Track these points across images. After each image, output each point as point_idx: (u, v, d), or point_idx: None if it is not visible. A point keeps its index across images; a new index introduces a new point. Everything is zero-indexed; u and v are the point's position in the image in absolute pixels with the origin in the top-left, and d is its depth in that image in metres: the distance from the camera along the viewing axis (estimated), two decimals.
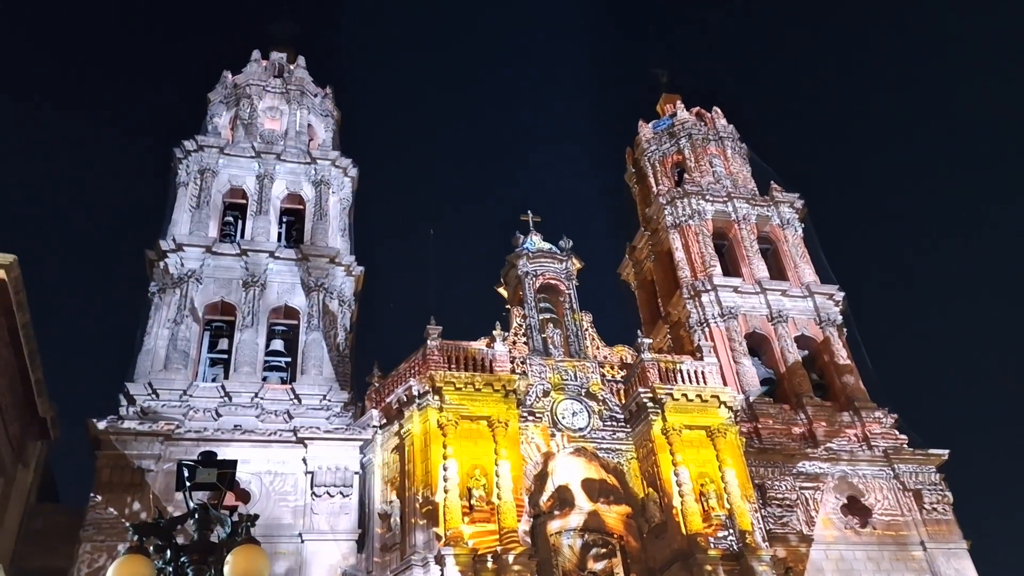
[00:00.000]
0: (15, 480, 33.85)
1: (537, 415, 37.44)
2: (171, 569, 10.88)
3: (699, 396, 37.71)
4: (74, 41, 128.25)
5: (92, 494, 32.97)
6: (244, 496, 33.86)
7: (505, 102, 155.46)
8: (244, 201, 45.96)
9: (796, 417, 41.98)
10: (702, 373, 39.12)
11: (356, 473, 36.30)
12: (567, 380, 39.09)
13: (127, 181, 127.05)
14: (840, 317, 47.00)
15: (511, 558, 31.27)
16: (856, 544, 38.30)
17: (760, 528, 35.30)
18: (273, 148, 47.37)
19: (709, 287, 46.24)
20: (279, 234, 45.45)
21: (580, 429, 37.67)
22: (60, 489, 41.18)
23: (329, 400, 37.99)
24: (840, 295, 47.62)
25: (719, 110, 59.22)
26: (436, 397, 35.38)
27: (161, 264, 41.09)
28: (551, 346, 40.96)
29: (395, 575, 32.44)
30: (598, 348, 41.59)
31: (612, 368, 40.68)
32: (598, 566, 34.62)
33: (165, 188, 46.81)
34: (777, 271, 49.33)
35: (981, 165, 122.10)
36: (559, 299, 43.13)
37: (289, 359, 41.34)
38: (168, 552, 11.02)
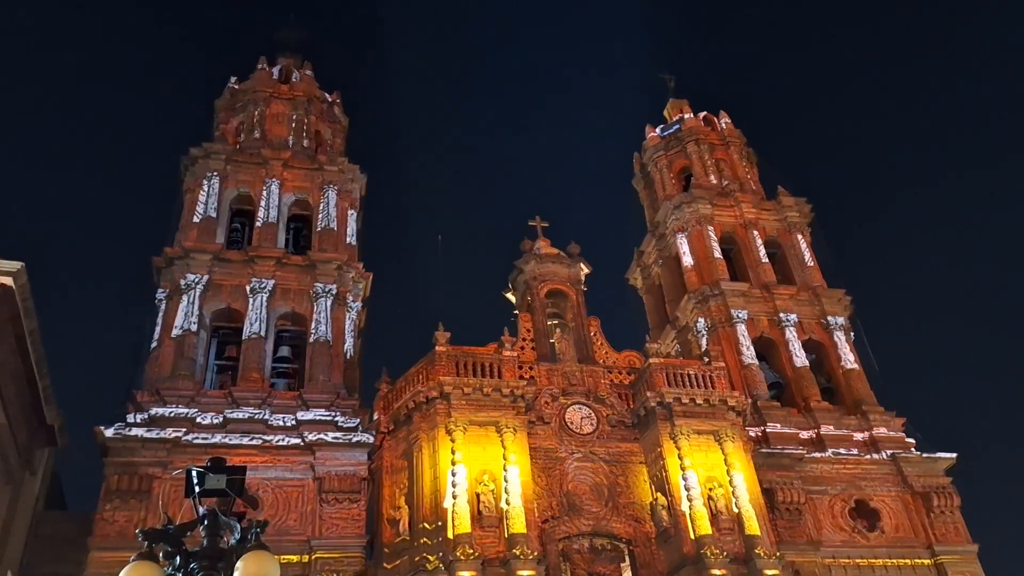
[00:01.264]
0: (23, 487, 33.95)
1: (545, 420, 37.49)
2: (181, 575, 10.88)
3: (707, 401, 37.72)
4: (80, 48, 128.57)
5: (100, 501, 33.00)
6: (252, 502, 33.71)
7: (513, 107, 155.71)
8: (251, 207, 45.92)
9: (804, 421, 41.87)
10: (710, 378, 39.05)
11: (364, 479, 36.28)
12: (575, 385, 39.13)
13: (135, 188, 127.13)
14: (847, 321, 46.91)
15: (520, 563, 31.28)
16: (864, 548, 38.22)
17: (768, 532, 35.27)
18: (280, 154, 47.28)
19: (717, 292, 46.18)
20: (286, 240, 45.35)
21: (588, 434, 37.73)
22: (68, 496, 41.29)
23: (337, 406, 37.93)
24: (847, 299, 47.53)
25: (726, 115, 59.21)
26: (444, 403, 35.44)
27: (169, 271, 41.07)
28: (559, 351, 40.96)
29: None
30: (606, 353, 41.58)
31: (620, 373, 40.70)
32: (607, 571, 34.57)
33: (173, 195, 46.94)
34: (784, 275, 49.23)
35: (989, 167, 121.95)
36: (567, 304, 43.13)
37: (297, 365, 41.36)
38: (177, 558, 11.02)
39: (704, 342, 44.80)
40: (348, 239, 45.83)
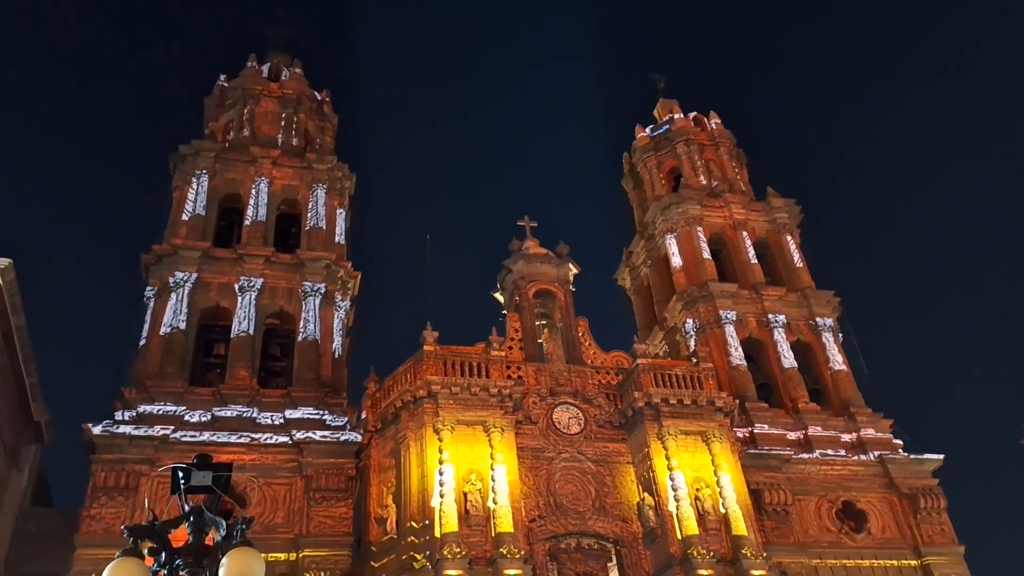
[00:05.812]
0: (9, 484, 33.89)
1: (533, 420, 37.46)
2: (166, 572, 10.86)
3: (694, 401, 37.75)
4: (71, 45, 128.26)
5: (87, 498, 32.92)
6: (240, 500, 33.83)
7: (503, 107, 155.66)
8: (240, 205, 45.85)
9: (791, 422, 41.91)
10: (698, 378, 39.07)
11: (352, 478, 36.32)
12: (563, 385, 39.08)
13: (124, 185, 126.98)
14: (836, 322, 46.96)
15: (507, 563, 31.27)
16: (851, 549, 38.27)
17: (755, 533, 35.27)
18: (269, 152, 47.22)
19: (705, 293, 46.18)
20: (275, 238, 45.20)
21: (576, 434, 37.69)
22: (54, 493, 41.21)
23: (325, 405, 37.94)
24: (836, 300, 47.58)
25: (716, 115, 59.21)
26: (432, 402, 35.40)
27: (157, 268, 41.02)
28: (547, 351, 40.96)
29: None
30: (594, 353, 41.50)
31: (608, 373, 40.64)
32: (593, 571, 34.57)
33: (162, 192, 46.84)
34: (773, 276, 49.30)
35: (979, 168, 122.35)
36: (555, 304, 43.06)
37: (285, 364, 41.34)
38: (163, 555, 11.00)
39: (692, 343, 44.83)
40: (337, 238, 45.84)
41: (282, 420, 36.86)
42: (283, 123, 50.76)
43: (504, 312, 43.50)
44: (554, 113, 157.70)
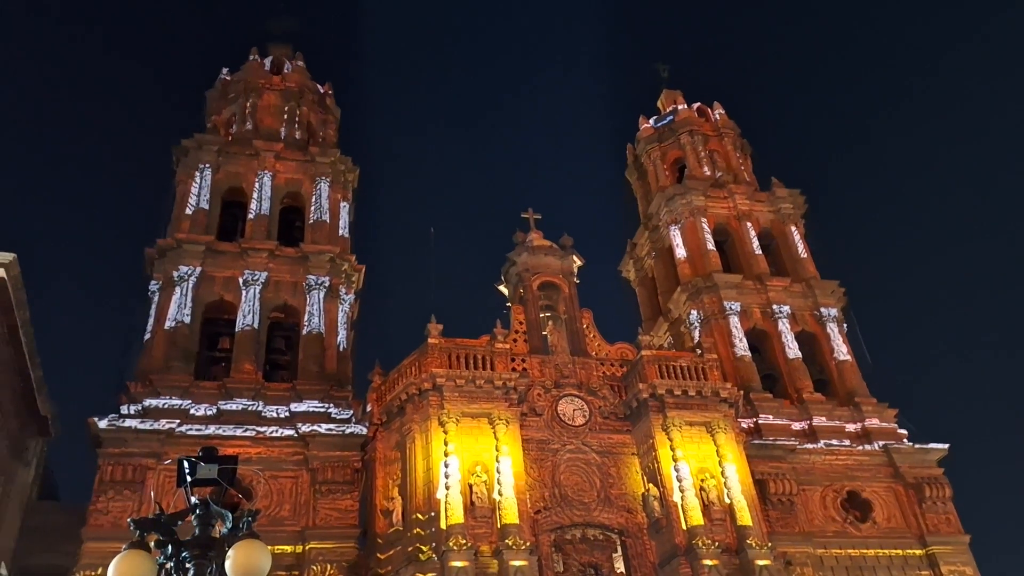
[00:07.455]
0: (15, 478, 33.95)
1: (538, 412, 37.49)
2: (172, 564, 10.89)
3: (699, 392, 37.75)
4: (74, 39, 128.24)
5: (93, 492, 32.98)
6: (246, 493, 33.90)
7: (506, 99, 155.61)
8: (244, 199, 45.80)
9: (796, 412, 41.90)
10: (702, 369, 39.08)
11: (357, 470, 36.37)
12: (568, 377, 39.12)
13: (128, 179, 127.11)
14: (840, 312, 46.89)
15: (512, 554, 31.33)
16: (856, 539, 38.26)
17: (760, 523, 35.31)
18: (272, 146, 47.18)
19: (710, 284, 46.11)
20: (279, 232, 45.18)
21: (580, 426, 37.72)
22: (60, 487, 41.31)
23: (330, 398, 37.98)
24: (840, 290, 47.53)
25: (720, 105, 59.10)
26: (437, 395, 35.46)
27: (162, 262, 41.04)
28: (552, 344, 40.93)
29: (397, 572, 32.50)
30: (599, 345, 41.56)
31: (612, 365, 40.69)
32: (598, 561, 34.62)
33: (165, 186, 46.82)
34: (778, 267, 49.22)
35: (981, 162, 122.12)
36: (560, 297, 43.04)
37: (289, 357, 41.36)
38: (169, 547, 11.03)
39: (697, 334, 44.79)
40: (341, 231, 45.82)
41: (287, 413, 36.91)
42: (286, 116, 50.73)
43: (508, 304, 43.51)
44: (558, 105, 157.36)
